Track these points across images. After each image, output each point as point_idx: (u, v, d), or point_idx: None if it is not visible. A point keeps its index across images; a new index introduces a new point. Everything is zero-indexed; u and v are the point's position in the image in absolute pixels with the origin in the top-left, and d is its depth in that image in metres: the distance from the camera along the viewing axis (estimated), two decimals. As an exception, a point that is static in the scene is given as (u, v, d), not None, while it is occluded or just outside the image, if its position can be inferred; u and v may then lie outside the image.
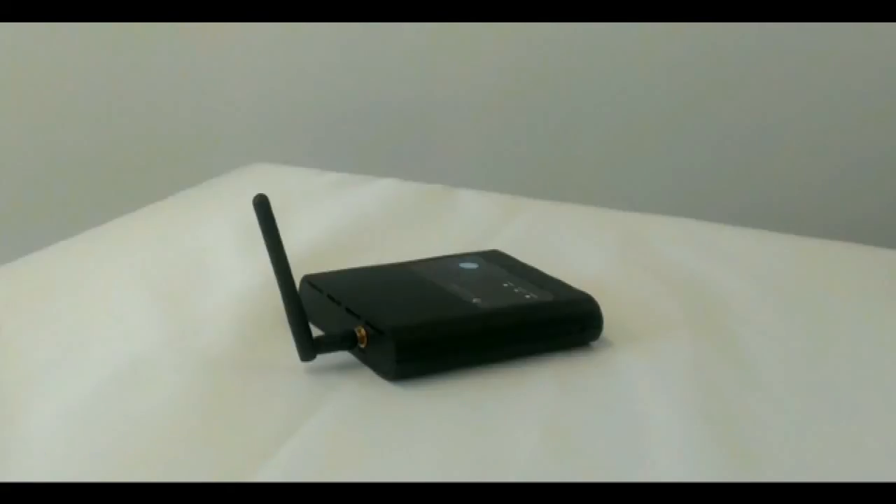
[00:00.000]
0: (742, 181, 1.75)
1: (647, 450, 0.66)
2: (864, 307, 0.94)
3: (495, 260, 0.88)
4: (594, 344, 0.81)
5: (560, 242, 1.06)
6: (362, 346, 0.73)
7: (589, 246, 1.06)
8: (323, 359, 0.74)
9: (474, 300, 0.78)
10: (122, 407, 0.67)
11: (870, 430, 0.71)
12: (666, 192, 1.75)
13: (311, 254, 0.96)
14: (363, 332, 0.73)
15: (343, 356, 0.75)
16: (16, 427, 0.65)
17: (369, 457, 0.64)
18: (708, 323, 0.88)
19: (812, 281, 1.00)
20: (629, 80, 1.75)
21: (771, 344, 0.84)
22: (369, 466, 0.63)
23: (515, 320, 0.77)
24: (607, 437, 0.67)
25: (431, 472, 0.62)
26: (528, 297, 0.80)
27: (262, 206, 0.70)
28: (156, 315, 0.81)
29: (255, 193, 0.94)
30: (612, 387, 0.74)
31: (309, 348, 0.72)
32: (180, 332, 0.78)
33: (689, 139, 1.76)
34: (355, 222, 1.09)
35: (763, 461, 0.66)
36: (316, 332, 0.79)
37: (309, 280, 0.81)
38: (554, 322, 0.79)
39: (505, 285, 0.82)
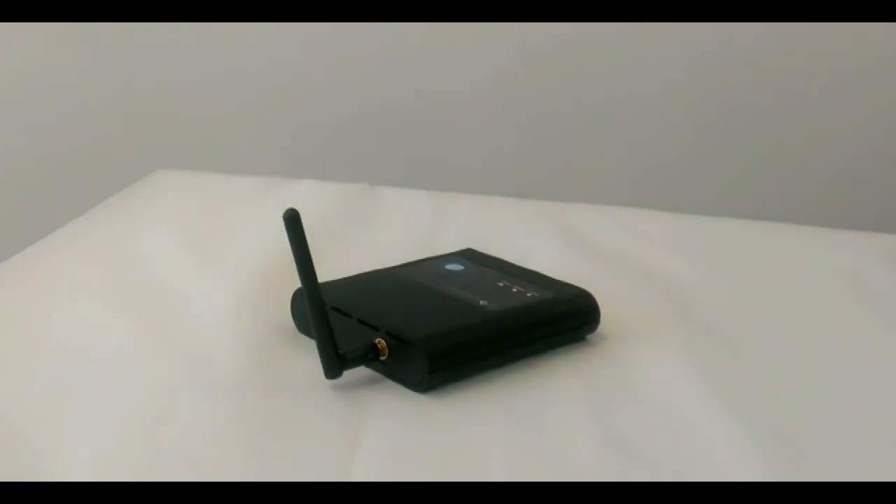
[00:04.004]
0: (738, 180, 1.80)
1: (697, 443, 0.66)
2: (805, 281, 0.99)
3: (475, 259, 0.88)
4: (589, 337, 0.81)
5: (506, 236, 1.06)
6: (383, 358, 0.72)
7: (533, 238, 1.06)
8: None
9: (481, 302, 0.77)
10: (155, 444, 0.63)
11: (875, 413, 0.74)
12: (663, 192, 1.78)
13: (262, 264, 0.93)
14: (383, 343, 0.72)
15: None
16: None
17: (438, 468, 0.62)
18: (678, 308, 0.90)
19: (764, 263, 1.04)
20: (626, 80, 1.76)
21: (746, 326, 0.87)
22: (444, 476, 0.61)
23: (528, 320, 0.77)
24: (657, 432, 0.68)
25: (508, 475, 0.61)
26: (529, 295, 0.80)
27: (293, 222, 0.68)
28: (150, 347, 0.76)
29: (180, 202, 0.91)
30: (631, 378, 0.75)
31: (336, 366, 0.69)
32: (183, 361, 0.74)
33: (687, 139, 1.79)
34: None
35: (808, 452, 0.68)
36: (312, 344, 0.77)
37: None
38: (560, 318, 0.79)
39: (500, 285, 0.81)
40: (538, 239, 1.06)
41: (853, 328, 0.88)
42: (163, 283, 0.87)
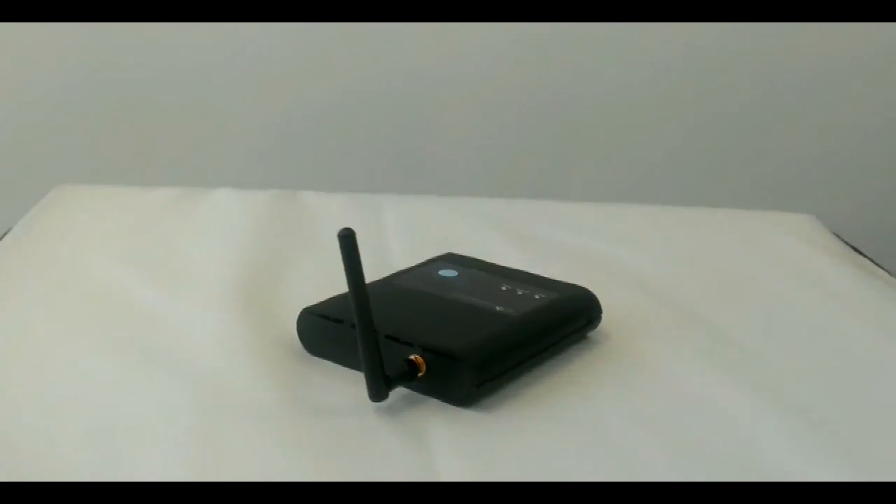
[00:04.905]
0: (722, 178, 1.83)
1: (747, 436, 0.67)
2: (745, 260, 1.03)
3: (462, 263, 0.86)
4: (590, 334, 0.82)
5: (449, 235, 1.05)
6: (420, 374, 0.69)
7: (480, 236, 1.05)
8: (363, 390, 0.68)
9: (498, 308, 0.76)
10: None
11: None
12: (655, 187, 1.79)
13: (227, 281, 0.88)
14: (420, 359, 0.69)
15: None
16: None
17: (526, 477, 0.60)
18: (652, 297, 0.91)
19: (702, 246, 1.07)
20: (615, 81, 1.76)
21: (724, 311, 0.89)
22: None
23: (548, 322, 0.77)
24: (705, 426, 0.68)
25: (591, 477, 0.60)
26: (537, 297, 0.79)
27: (348, 241, 0.64)
28: (165, 381, 0.70)
29: (102, 219, 0.85)
30: (654, 373, 0.76)
31: (384, 389, 0.66)
32: (208, 392, 0.69)
33: (678, 139, 1.80)
34: (241, 239, 1.00)
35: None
36: (327, 365, 0.74)
37: (315, 312, 0.75)
38: (572, 318, 0.79)
39: (504, 289, 0.80)
40: (486, 236, 1.05)
41: (810, 307, 0.92)
42: (138, 310, 0.81)
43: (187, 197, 1.13)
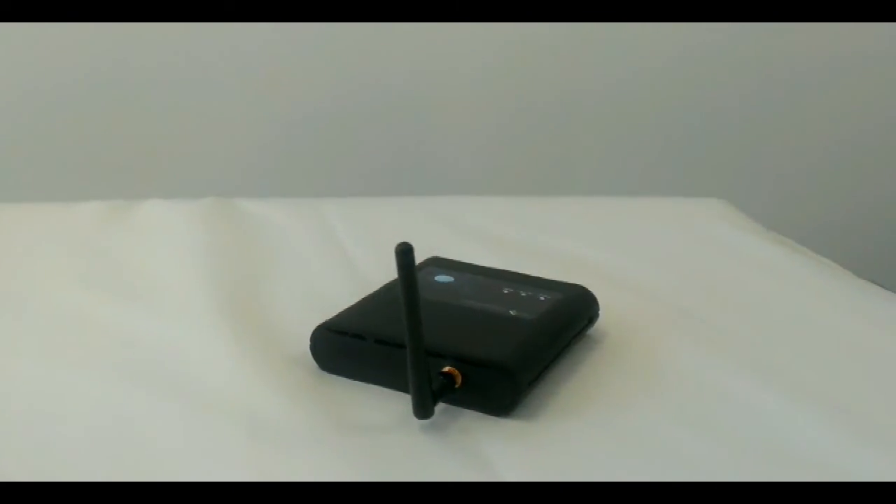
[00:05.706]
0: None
1: (776, 426, 0.69)
2: (686, 248, 1.05)
3: (453, 267, 0.85)
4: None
5: (405, 235, 1.03)
6: (457, 386, 0.67)
7: (435, 236, 1.04)
8: (397, 403, 0.67)
9: (511, 313, 0.75)
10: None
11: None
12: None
13: (207, 296, 0.84)
14: (455, 370, 0.67)
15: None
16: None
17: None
18: (630, 291, 0.92)
19: (645, 234, 1.09)
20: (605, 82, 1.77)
21: (700, 301, 0.91)
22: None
23: (562, 323, 0.76)
24: (733, 420, 0.69)
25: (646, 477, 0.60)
26: (542, 299, 0.78)
27: (406, 256, 0.61)
28: (185, 408, 0.66)
29: (37, 237, 0.88)
30: (667, 368, 0.76)
31: (430, 406, 0.65)
32: (235, 417, 0.65)
33: (674, 138, 1.82)
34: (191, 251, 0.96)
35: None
36: (345, 382, 0.71)
37: (333, 328, 0.72)
38: (578, 317, 0.79)
39: (506, 291, 0.79)
40: (439, 235, 1.04)
41: (769, 289, 0.95)
42: (125, 333, 0.76)
43: (118, 210, 1.07)
